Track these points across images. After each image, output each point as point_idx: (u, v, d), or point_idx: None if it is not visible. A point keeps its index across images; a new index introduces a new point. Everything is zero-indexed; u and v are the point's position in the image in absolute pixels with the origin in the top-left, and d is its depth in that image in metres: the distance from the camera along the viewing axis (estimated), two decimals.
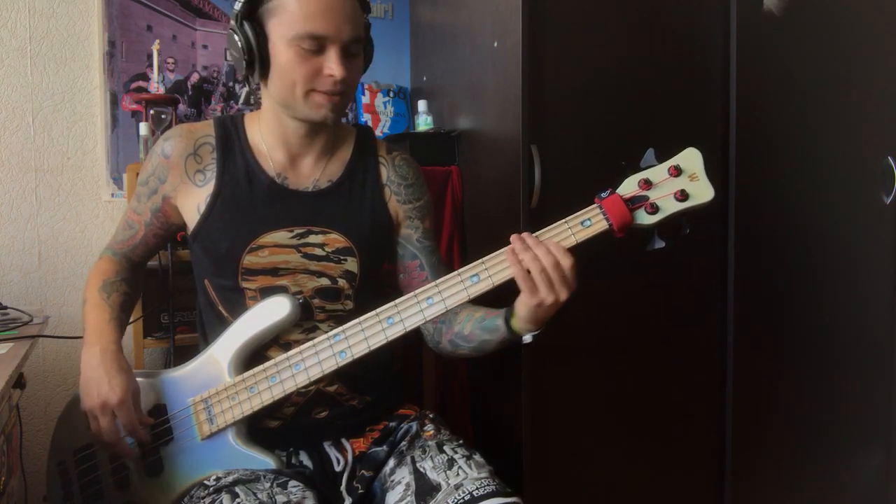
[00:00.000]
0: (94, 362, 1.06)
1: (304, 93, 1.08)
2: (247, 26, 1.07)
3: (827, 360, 1.88)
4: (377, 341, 1.05)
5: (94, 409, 1.04)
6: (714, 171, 1.01)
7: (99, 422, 1.04)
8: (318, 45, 1.05)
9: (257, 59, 1.08)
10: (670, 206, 1.01)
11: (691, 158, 1.01)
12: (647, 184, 1.01)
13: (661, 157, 1.03)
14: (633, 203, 1.01)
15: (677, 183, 1.01)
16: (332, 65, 1.06)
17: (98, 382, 1.04)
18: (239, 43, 1.08)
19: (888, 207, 1.89)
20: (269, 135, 1.17)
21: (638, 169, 1.03)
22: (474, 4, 1.71)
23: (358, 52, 1.11)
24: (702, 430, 1.76)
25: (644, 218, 1.01)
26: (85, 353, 1.08)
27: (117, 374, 1.05)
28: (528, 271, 1.00)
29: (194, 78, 1.95)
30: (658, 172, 1.02)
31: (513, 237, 1.02)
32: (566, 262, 0.99)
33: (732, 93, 1.70)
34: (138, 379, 1.10)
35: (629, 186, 1.02)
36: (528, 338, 1.09)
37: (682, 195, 1.00)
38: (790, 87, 1.77)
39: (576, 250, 1.02)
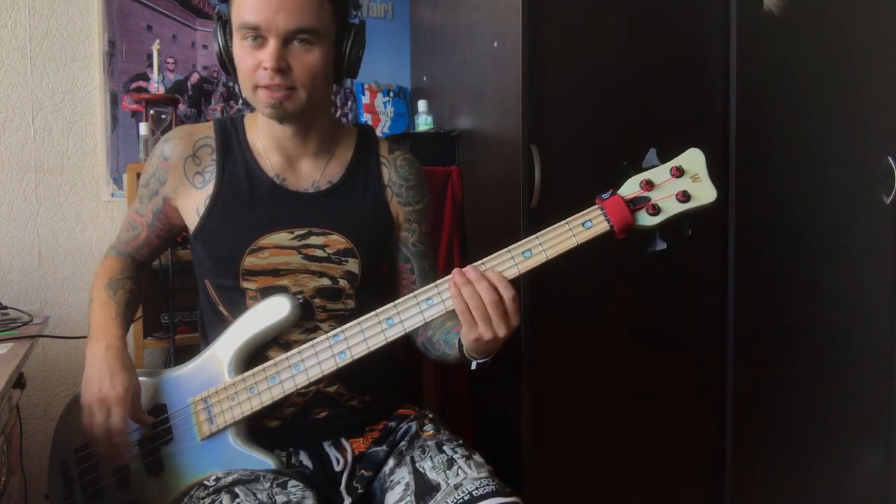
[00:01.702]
0: (98, 358, 1.06)
1: (252, 88, 1.08)
2: (218, 26, 1.10)
3: (827, 361, 1.88)
4: (377, 342, 1.04)
5: (92, 405, 1.04)
6: (714, 170, 1.00)
7: (95, 417, 1.03)
8: (256, 35, 1.05)
9: (224, 57, 1.12)
10: (672, 208, 0.99)
11: (694, 159, 1.00)
12: (649, 184, 1.00)
13: (662, 157, 1.02)
14: (635, 204, 1.00)
15: (679, 184, 0.99)
16: (265, 56, 1.04)
17: (100, 378, 1.04)
18: (215, 42, 1.12)
19: (888, 207, 1.89)
20: (262, 136, 1.17)
21: (640, 169, 1.01)
22: (474, 4, 1.71)
23: (313, 44, 1.06)
24: (702, 430, 1.76)
25: (646, 219, 1.00)
26: (89, 349, 1.08)
27: (120, 371, 1.05)
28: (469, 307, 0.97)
29: (194, 78, 1.95)
30: (660, 173, 1.00)
31: (454, 272, 0.99)
32: (508, 294, 0.97)
33: (732, 92, 1.70)
34: (138, 378, 1.10)
35: (631, 187, 1.01)
36: (473, 365, 1.07)
37: (685, 196, 0.98)
38: (790, 87, 1.77)
39: (576, 251, 1.02)
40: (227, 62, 1.12)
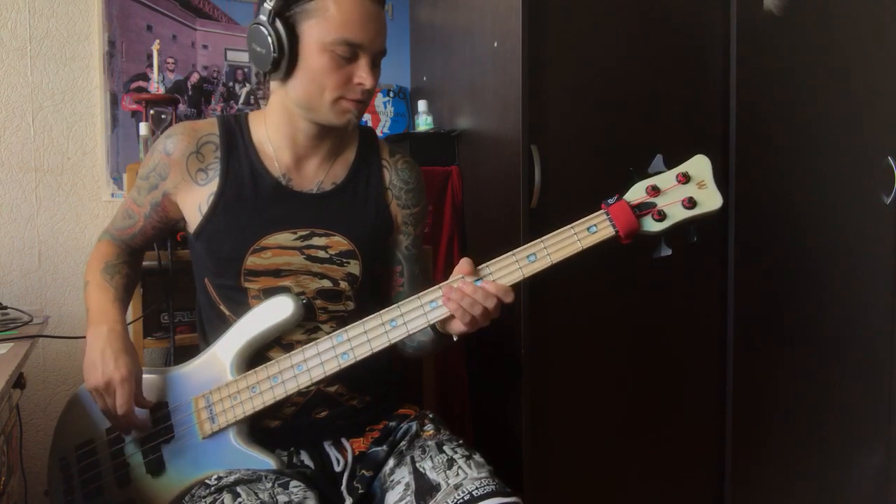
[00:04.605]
0: (101, 342, 1.07)
1: (333, 99, 1.09)
2: (279, 23, 1.06)
3: (827, 360, 1.88)
4: (380, 343, 1.05)
5: (99, 389, 1.06)
6: (714, 170, 1.01)
7: (105, 401, 1.06)
8: (352, 52, 1.07)
9: (286, 59, 1.07)
10: (678, 214, 1.00)
11: (700, 165, 1.00)
12: (655, 190, 1.00)
13: (666, 161, 1.02)
14: (641, 210, 1.00)
15: (685, 190, 1.00)
16: (364, 73, 1.08)
17: (104, 362, 1.05)
18: (269, 39, 1.07)
19: (888, 207, 1.89)
20: (276, 135, 1.17)
21: (646, 175, 1.02)
22: (474, 4, 1.71)
23: (380, 63, 1.14)
24: (702, 431, 1.76)
25: (651, 225, 1.00)
26: (90, 333, 1.09)
27: (123, 354, 1.07)
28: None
29: (194, 78, 1.95)
30: (666, 179, 1.01)
31: (445, 289, 1.01)
32: (508, 299, 1.01)
33: (732, 93, 1.71)
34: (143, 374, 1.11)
35: (637, 193, 1.01)
36: (454, 337, 1.09)
37: (690, 203, 0.99)
38: (790, 88, 1.77)
39: (581, 256, 1.02)
40: (288, 62, 1.08)
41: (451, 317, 1.03)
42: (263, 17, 1.07)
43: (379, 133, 2.10)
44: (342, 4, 1.06)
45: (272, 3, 1.06)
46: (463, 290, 1.00)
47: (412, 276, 1.26)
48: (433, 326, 1.08)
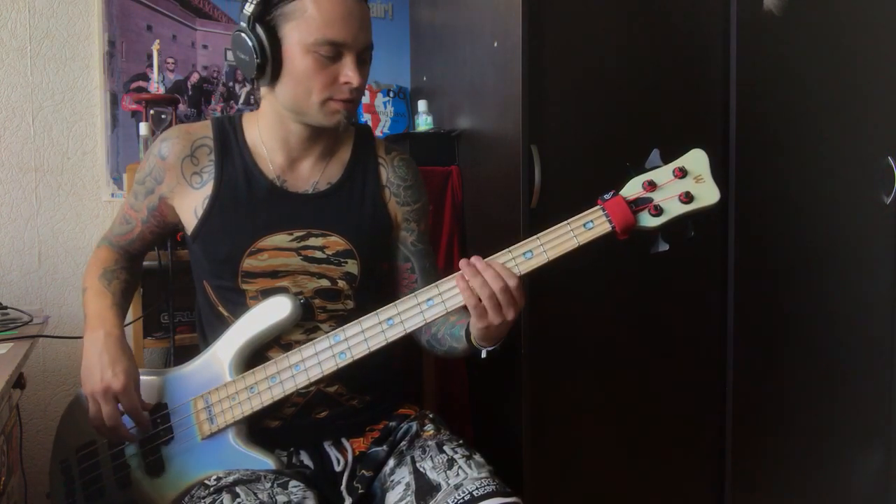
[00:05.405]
0: (98, 347, 1.07)
1: (322, 101, 1.08)
2: (259, 29, 1.06)
3: (827, 361, 1.88)
4: (377, 343, 1.05)
5: (96, 395, 1.05)
6: (714, 170, 1.00)
7: (100, 407, 1.05)
8: (335, 51, 1.06)
9: (270, 63, 1.07)
10: (675, 209, 0.99)
11: (697, 160, 1.00)
12: (652, 185, 0.99)
13: (664, 158, 1.01)
14: (637, 205, 1.00)
15: (682, 185, 0.99)
16: (350, 72, 1.07)
17: (101, 368, 1.05)
18: (252, 46, 1.06)
19: (888, 207, 1.89)
20: (269, 137, 1.17)
21: (642, 170, 1.01)
22: (474, 4, 1.71)
23: (368, 59, 1.12)
24: (702, 431, 1.76)
25: (648, 220, 0.99)
26: (87, 338, 1.09)
27: (121, 359, 1.06)
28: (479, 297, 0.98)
29: (194, 78, 1.95)
30: (663, 174, 1.00)
31: (462, 262, 1.00)
32: (512, 283, 0.98)
33: (732, 93, 1.70)
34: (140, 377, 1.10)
35: (633, 188, 1.00)
36: (483, 353, 1.07)
37: (687, 197, 0.98)
38: (790, 87, 1.77)
39: (577, 252, 1.01)
40: (273, 66, 1.07)
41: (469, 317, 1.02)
42: (244, 24, 1.06)
43: (379, 133, 2.10)
44: (321, 4, 1.04)
45: (251, 9, 1.05)
46: (475, 265, 0.99)
47: (424, 270, 1.26)
48: (467, 336, 1.08)
